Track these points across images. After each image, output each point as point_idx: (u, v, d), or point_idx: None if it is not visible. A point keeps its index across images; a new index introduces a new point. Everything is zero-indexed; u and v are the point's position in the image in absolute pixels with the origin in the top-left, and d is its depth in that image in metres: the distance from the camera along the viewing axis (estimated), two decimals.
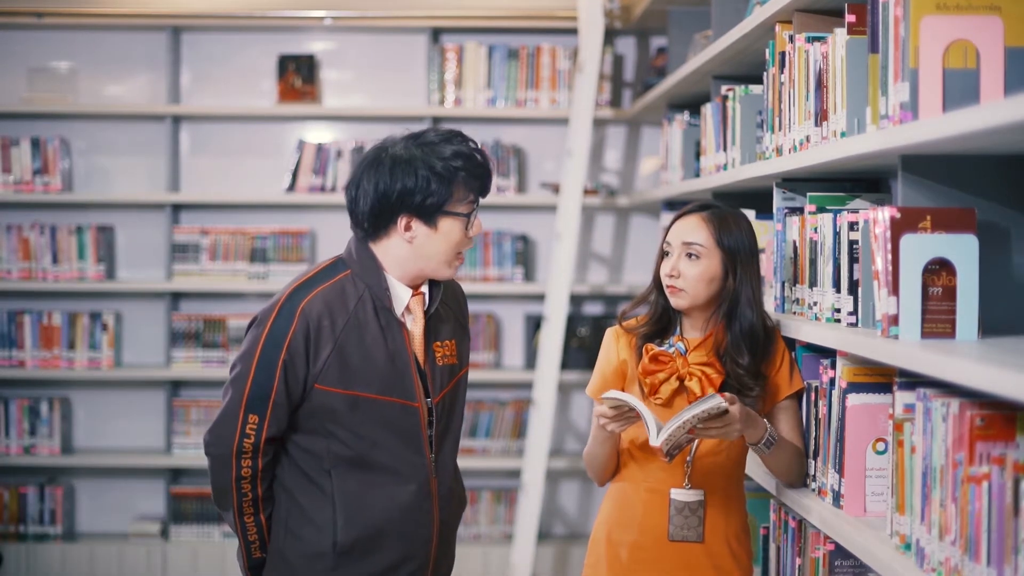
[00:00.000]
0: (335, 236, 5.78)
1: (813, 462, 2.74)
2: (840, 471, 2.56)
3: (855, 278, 2.58)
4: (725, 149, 3.70)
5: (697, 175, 4.30)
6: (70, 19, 5.73)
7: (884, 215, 2.26)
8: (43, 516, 5.66)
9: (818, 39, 2.80)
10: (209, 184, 5.86)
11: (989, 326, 2.28)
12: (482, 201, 2.69)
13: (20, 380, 5.73)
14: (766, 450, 2.67)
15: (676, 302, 2.72)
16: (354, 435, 2.61)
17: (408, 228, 2.61)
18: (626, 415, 2.59)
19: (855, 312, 2.59)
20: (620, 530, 2.77)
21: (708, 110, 3.95)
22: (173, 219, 5.75)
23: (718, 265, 2.70)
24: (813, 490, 2.73)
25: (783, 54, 3.02)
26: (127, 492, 5.82)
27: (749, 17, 3.32)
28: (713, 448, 2.73)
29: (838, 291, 2.65)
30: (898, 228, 2.24)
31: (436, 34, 5.83)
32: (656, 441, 2.52)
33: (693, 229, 2.72)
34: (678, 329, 2.77)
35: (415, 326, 2.67)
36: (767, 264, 3.15)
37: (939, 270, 2.19)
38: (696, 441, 2.69)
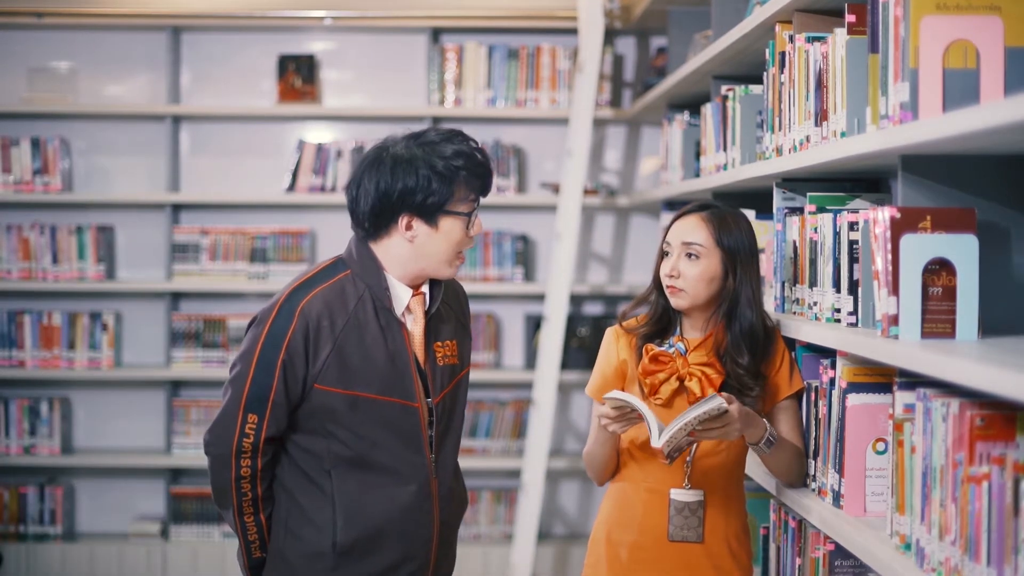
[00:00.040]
0: (335, 236, 5.78)
1: (813, 462, 2.74)
2: (840, 471, 2.56)
3: (855, 278, 2.58)
4: (725, 149, 3.70)
5: (697, 175, 4.30)
6: (70, 19, 5.74)
7: (884, 215, 2.26)
8: (43, 516, 5.66)
9: (818, 39, 2.80)
10: (209, 184, 5.86)
11: (989, 326, 2.28)
12: (482, 201, 2.69)
13: (20, 380, 5.73)
14: (766, 450, 2.67)
15: (676, 302, 2.72)
16: (354, 435, 2.61)
17: (409, 227, 2.61)
18: (628, 416, 2.59)
19: (855, 312, 2.59)
20: (620, 530, 2.77)
21: (708, 110, 3.95)
22: (173, 219, 5.75)
23: (718, 265, 2.70)
24: (813, 490, 2.73)
25: (783, 54, 3.02)
26: (127, 492, 5.82)
27: (749, 17, 3.32)
28: (713, 448, 2.73)
29: (838, 291, 2.65)
30: (898, 228, 2.24)
31: (436, 34, 5.83)
32: (658, 443, 2.52)
33: (693, 229, 2.72)
34: (678, 329, 2.77)
35: (415, 326, 2.67)
36: (767, 264, 3.15)
37: (939, 270, 2.19)
38: (696, 442, 2.69)
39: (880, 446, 2.50)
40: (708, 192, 3.88)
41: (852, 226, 2.60)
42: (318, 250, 5.83)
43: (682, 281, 2.70)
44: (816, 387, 2.72)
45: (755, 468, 2.98)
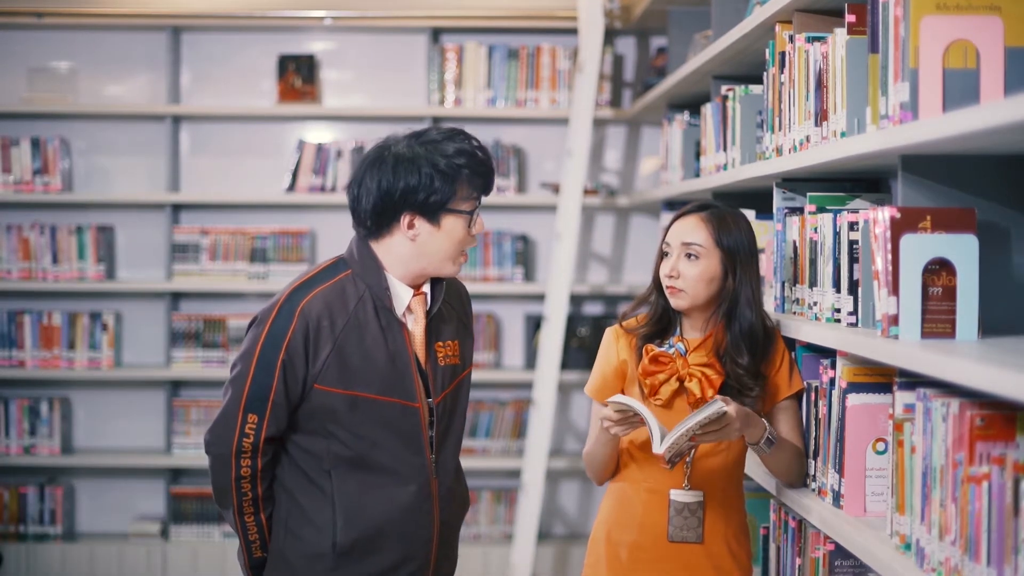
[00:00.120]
0: (335, 236, 5.78)
1: (813, 462, 2.74)
2: (840, 471, 2.56)
3: (855, 278, 2.58)
4: (725, 149, 3.70)
5: (697, 175, 4.30)
6: (70, 19, 5.73)
7: (884, 215, 2.26)
8: (43, 516, 5.66)
9: (818, 39, 2.80)
10: (209, 184, 5.86)
11: (989, 326, 2.28)
12: (483, 201, 2.69)
13: (20, 380, 5.72)
14: (766, 449, 2.67)
15: (676, 302, 2.72)
16: (354, 436, 2.61)
17: (411, 226, 2.61)
18: (630, 419, 2.59)
19: (855, 312, 2.59)
20: (620, 530, 2.77)
21: (708, 110, 3.95)
22: (173, 219, 5.75)
23: (717, 265, 2.70)
24: (813, 490, 2.73)
25: (783, 54, 3.02)
26: (127, 492, 5.82)
27: (749, 17, 3.32)
28: (713, 449, 2.73)
29: (838, 291, 2.65)
30: (898, 228, 2.24)
31: (436, 34, 5.83)
32: (660, 449, 2.52)
33: (692, 229, 2.72)
34: (678, 330, 2.77)
35: (416, 326, 2.67)
36: (767, 264, 3.15)
37: (939, 270, 2.19)
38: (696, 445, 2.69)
39: (880, 446, 2.50)
40: (708, 192, 3.88)
41: (852, 226, 2.60)
42: (318, 250, 5.83)
43: (682, 281, 2.70)
44: (816, 387, 2.72)
45: (755, 468, 2.98)
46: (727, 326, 2.72)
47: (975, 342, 2.16)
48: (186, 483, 5.75)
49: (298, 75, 5.77)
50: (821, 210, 2.83)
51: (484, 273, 5.73)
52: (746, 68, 3.78)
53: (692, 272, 2.70)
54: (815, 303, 2.78)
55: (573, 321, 5.72)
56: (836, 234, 2.66)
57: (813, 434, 2.73)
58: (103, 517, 5.81)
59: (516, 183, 5.80)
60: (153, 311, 5.80)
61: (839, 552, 2.57)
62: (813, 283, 2.80)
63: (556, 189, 5.64)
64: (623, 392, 2.77)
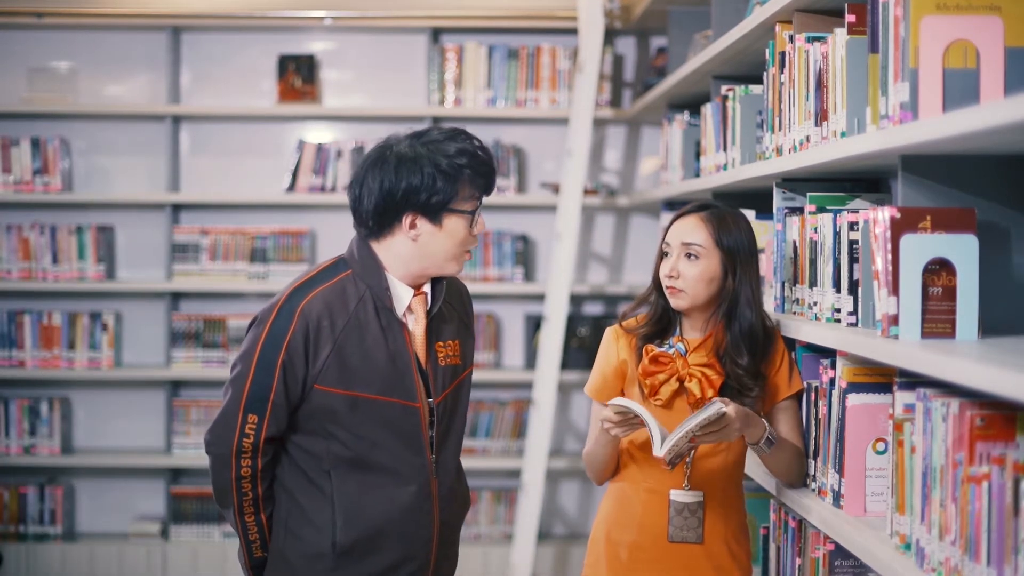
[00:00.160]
0: (335, 236, 5.78)
1: (813, 462, 2.74)
2: (840, 471, 2.56)
3: (855, 278, 2.58)
4: (725, 149, 3.70)
5: (697, 175, 4.30)
6: (70, 19, 5.74)
7: (884, 215, 2.26)
8: (43, 516, 5.66)
9: (818, 39, 2.80)
10: (209, 184, 5.86)
11: (989, 326, 2.28)
12: (483, 200, 2.69)
13: (20, 380, 5.72)
14: (766, 449, 2.67)
15: (676, 303, 2.72)
16: (354, 436, 2.61)
17: (413, 226, 2.61)
18: (631, 421, 2.59)
19: (855, 312, 2.59)
20: (619, 530, 2.77)
21: (708, 110, 3.95)
22: (173, 219, 5.75)
23: (717, 265, 2.70)
24: (813, 490, 2.73)
25: (783, 54, 3.02)
26: (127, 492, 5.82)
27: (749, 17, 3.32)
28: (712, 449, 2.73)
29: (838, 291, 2.65)
30: (898, 228, 2.24)
31: (436, 34, 5.83)
32: (660, 452, 2.52)
33: (692, 229, 2.72)
34: (678, 330, 2.77)
35: (417, 326, 2.67)
36: (767, 264, 3.15)
37: (939, 270, 2.19)
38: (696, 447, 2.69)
39: (880, 446, 2.50)
40: (708, 192, 3.88)
41: (852, 226, 2.60)
42: (318, 250, 5.83)
43: (682, 281, 2.70)
44: (816, 387, 2.72)
45: (755, 468, 2.98)
46: (727, 326, 2.72)
47: (975, 342, 2.16)
48: (186, 483, 5.75)
49: (298, 75, 5.77)
50: (821, 210, 2.83)
51: (484, 273, 5.73)
52: (746, 68, 3.78)
53: (692, 272, 2.70)
54: (815, 303, 2.78)
55: (573, 321, 5.72)
56: (836, 234, 2.66)
57: (813, 434, 2.73)
58: (103, 517, 5.81)
59: (516, 183, 5.80)
60: (153, 311, 5.80)
61: (839, 552, 2.57)
62: (813, 283, 2.80)
63: (556, 189, 5.64)
64: (623, 392, 2.77)
